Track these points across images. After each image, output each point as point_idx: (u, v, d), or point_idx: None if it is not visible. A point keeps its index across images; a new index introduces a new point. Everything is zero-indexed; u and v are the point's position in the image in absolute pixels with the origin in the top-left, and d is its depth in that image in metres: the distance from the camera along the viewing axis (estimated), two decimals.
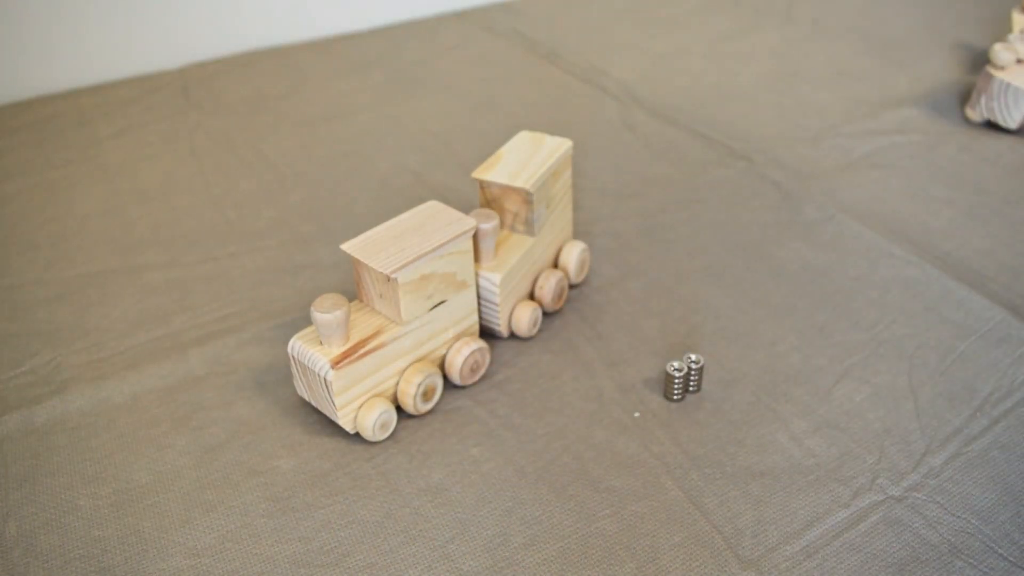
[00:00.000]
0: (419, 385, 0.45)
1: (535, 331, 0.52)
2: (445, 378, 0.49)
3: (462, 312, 0.47)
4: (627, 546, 0.40)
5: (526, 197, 0.49)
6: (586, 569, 0.39)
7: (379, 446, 0.45)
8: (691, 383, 0.47)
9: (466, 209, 0.64)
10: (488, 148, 0.68)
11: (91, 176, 0.72)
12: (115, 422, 0.48)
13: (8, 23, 0.83)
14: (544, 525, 0.41)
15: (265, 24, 0.94)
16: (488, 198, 0.51)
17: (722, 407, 0.47)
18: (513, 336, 0.52)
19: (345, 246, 0.44)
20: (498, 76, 0.85)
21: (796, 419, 0.46)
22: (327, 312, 0.42)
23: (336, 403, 0.43)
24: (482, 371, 0.48)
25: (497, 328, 0.51)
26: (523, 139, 0.53)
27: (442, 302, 0.46)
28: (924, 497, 0.41)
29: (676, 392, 0.47)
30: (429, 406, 0.47)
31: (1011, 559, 0.38)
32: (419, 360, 0.46)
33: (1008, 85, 0.67)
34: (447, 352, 0.47)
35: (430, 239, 0.44)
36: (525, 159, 0.51)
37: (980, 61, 0.80)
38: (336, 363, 0.42)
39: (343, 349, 0.43)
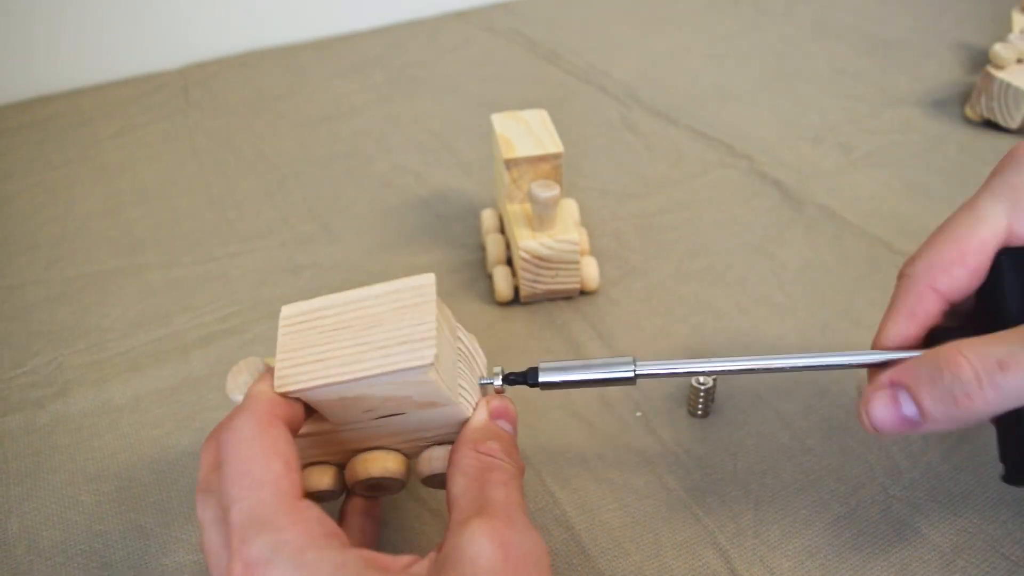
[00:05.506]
0: (361, 483, 0.37)
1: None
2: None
3: (450, 424, 0.36)
4: (632, 540, 0.40)
5: (555, 161, 0.52)
6: (589, 560, 0.39)
7: None
8: (709, 399, 0.46)
9: (475, 209, 0.64)
10: (489, 148, 0.68)
11: (91, 176, 0.72)
12: (117, 423, 0.48)
13: (7, 23, 0.83)
14: (550, 515, 0.41)
15: (265, 24, 0.94)
16: (515, 177, 0.53)
17: (723, 406, 0.47)
18: (582, 293, 0.55)
19: (284, 312, 0.35)
20: (498, 76, 0.85)
21: (797, 418, 0.46)
22: (232, 392, 0.35)
23: None
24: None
25: (575, 288, 0.54)
26: (504, 120, 0.56)
27: (398, 414, 0.35)
28: (925, 495, 0.41)
29: (700, 407, 0.46)
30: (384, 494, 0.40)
31: (1013, 558, 0.38)
32: (382, 451, 0.37)
33: (1008, 85, 0.67)
34: (422, 453, 0.38)
35: (359, 359, 0.33)
36: (529, 130, 0.54)
37: (980, 61, 0.80)
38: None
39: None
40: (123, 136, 0.78)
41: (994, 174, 0.35)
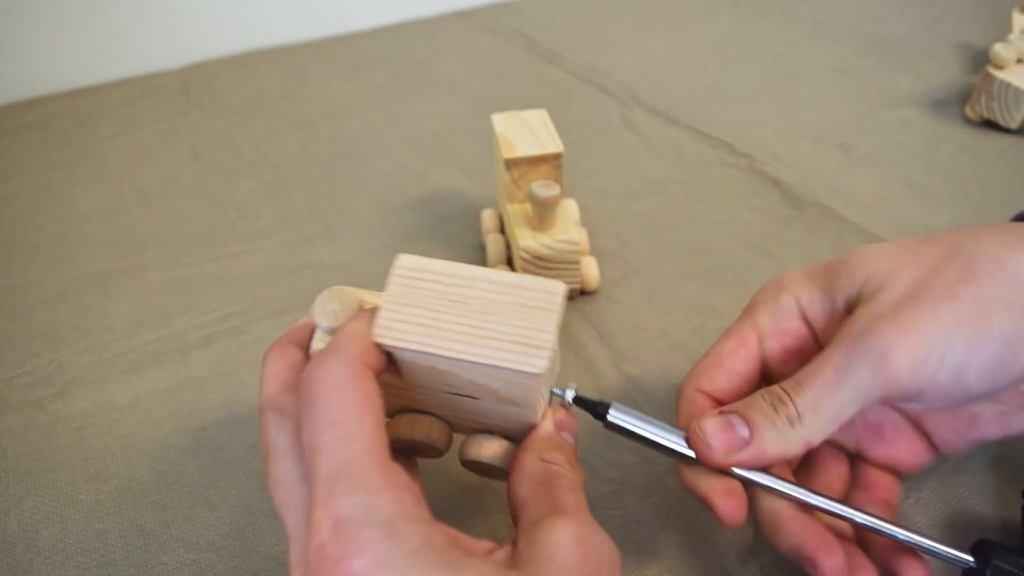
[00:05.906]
0: (403, 441, 0.36)
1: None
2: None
3: (513, 421, 0.36)
4: (633, 540, 0.40)
5: (556, 161, 0.52)
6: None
7: None
8: None
9: (475, 209, 0.64)
10: (489, 148, 0.68)
11: (91, 176, 0.72)
12: (117, 423, 0.48)
13: (7, 23, 0.83)
14: None
15: (265, 24, 0.94)
16: (515, 177, 0.53)
17: None
18: (582, 293, 0.55)
19: (402, 261, 0.34)
20: (498, 76, 0.85)
21: None
22: (319, 317, 0.34)
23: None
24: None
25: (575, 288, 0.54)
26: (504, 120, 0.55)
27: (473, 397, 0.34)
28: (927, 495, 0.41)
29: None
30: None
31: None
32: (429, 417, 0.37)
33: (1008, 85, 0.67)
34: (473, 436, 0.37)
35: (467, 340, 0.32)
36: (530, 130, 0.54)
37: (980, 61, 0.80)
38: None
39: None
40: (123, 136, 0.78)
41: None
